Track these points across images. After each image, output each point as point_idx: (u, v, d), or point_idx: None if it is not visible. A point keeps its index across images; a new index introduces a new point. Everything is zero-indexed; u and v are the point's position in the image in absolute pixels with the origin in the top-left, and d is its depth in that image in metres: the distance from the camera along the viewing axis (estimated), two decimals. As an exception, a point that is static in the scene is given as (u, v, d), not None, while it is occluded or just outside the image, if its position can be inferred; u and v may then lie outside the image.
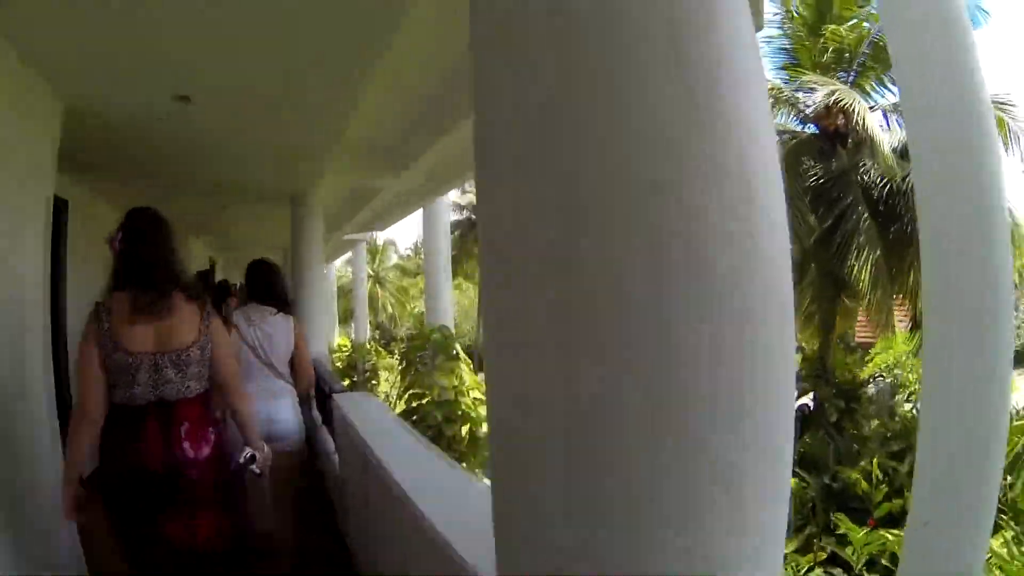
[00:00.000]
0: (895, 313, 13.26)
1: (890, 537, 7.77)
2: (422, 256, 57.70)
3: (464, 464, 14.09)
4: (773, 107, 14.19)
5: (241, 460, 3.11)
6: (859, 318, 15.37)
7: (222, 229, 13.66)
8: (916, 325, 12.59)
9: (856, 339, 27.98)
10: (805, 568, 8.00)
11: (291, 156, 7.09)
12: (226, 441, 3.16)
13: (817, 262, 11.74)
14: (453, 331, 14.59)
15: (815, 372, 12.80)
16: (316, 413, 6.52)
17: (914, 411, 11.82)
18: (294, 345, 4.53)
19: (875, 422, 12.39)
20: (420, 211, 16.34)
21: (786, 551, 7.99)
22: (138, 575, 2.89)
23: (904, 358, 23.88)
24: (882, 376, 22.25)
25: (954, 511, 4.44)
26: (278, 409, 4.29)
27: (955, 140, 4.58)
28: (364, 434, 4.08)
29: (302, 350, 4.62)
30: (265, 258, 4.98)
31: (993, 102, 12.60)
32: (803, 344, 28.79)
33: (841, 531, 8.19)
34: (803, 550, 8.35)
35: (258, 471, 3.17)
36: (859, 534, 7.80)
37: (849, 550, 7.77)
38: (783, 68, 14.41)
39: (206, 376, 3.04)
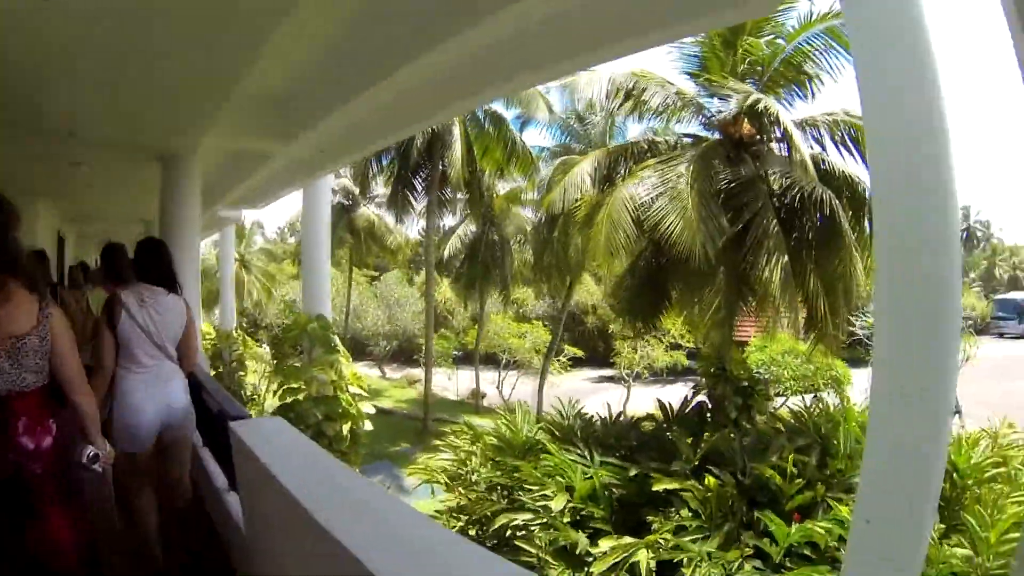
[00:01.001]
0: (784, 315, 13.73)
1: (819, 530, 8.11)
2: (289, 240, 57.80)
3: (346, 464, 13.72)
4: (678, 110, 14.52)
5: (83, 459, 3.07)
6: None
7: (75, 193, 11.83)
8: (812, 326, 12.98)
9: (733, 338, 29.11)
10: (736, 565, 8.05)
11: (168, 99, 5.67)
12: (68, 433, 3.06)
13: (726, 264, 11.95)
14: (336, 322, 13.97)
15: (713, 370, 12.99)
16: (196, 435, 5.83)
17: (811, 408, 12.47)
18: (185, 329, 4.53)
19: (761, 418, 12.84)
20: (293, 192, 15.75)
21: (709, 549, 8.10)
22: None
23: (781, 356, 25.23)
24: (759, 372, 23.22)
25: (897, 509, 4.54)
26: (173, 394, 4.35)
27: (912, 141, 4.57)
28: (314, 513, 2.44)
29: (192, 333, 4.63)
30: (153, 237, 5.13)
31: None
32: (698, 344, 29.78)
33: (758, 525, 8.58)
34: (724, 546, 8.42)
35: (100, 469, 3.15)
36: (783, 529, 8.20)
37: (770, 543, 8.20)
38: (691, 75, 14.58)
39: (46, 370, 2.94)
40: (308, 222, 14.57)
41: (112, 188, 11.54)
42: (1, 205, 2.98)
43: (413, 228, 39.82)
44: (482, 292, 31.52)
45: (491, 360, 34.14)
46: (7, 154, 7.97)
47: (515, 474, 10.20)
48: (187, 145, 7.65)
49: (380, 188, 33.02)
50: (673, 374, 31.43)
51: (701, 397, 12.98)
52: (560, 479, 9.72)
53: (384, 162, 27.02)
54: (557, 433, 11.66)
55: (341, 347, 12.83)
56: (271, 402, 24.18)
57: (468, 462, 11.53)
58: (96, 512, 3.53)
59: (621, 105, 14.68)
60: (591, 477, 9.76)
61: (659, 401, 12.74)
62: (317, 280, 14.40)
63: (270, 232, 62.88)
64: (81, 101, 5.85)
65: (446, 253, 31.63)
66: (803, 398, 20.73)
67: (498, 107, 24.89)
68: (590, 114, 26.30)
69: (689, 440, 10.93)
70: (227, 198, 13.76)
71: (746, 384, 13.18)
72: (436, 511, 11.39)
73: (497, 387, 33.06)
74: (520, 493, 9.88)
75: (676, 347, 30.31)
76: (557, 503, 9.14)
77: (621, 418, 13.09)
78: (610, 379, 38.72)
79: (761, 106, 12.12)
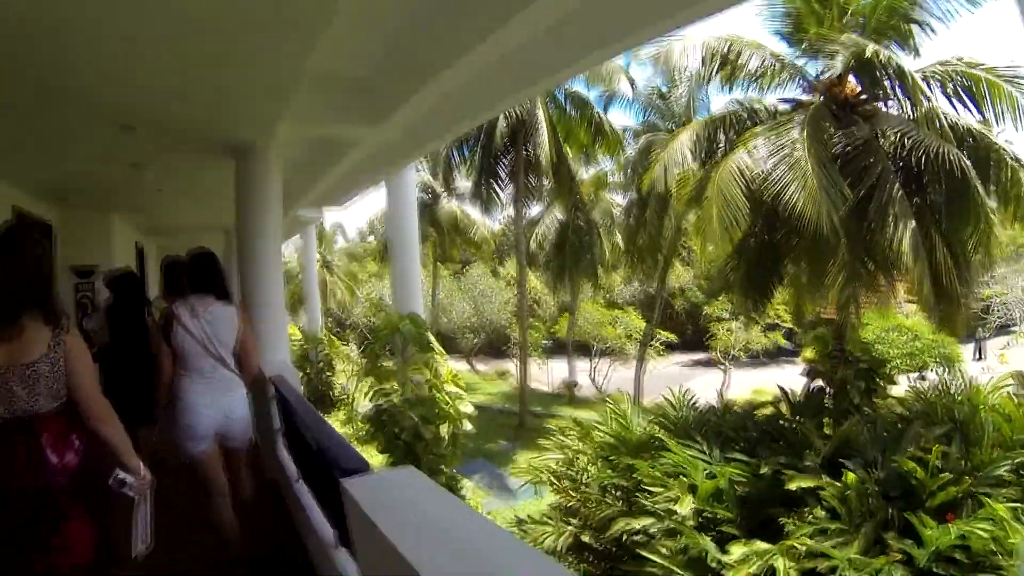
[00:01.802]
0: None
1: (980, 532, 7.01)
2: (369, 239, 57.86)
3: (444, 468, 13.13)
4: (776, 73, 13.52)
5: (111, 483, 3.12)
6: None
7: (147, 203, 11.32)
8: (940, 299, 11.80)
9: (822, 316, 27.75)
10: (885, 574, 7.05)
11: (237, 80, 4.94)
12: (96, 454, 3.12)
13: (847, 235, 10.90)
14: (424, 319, 13.33)
15: (832, 351, 12.00)
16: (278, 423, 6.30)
17: (935, 389, 11.08)
18: (240, 335, 4.64)
19: (883, 403, 11.82)
20: (369, 191, 15.37)
21: (851, 554, 7.15)
22: None
23: (886, 333, 23.85)
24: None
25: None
26: (233, 406, 4.54)
27: None
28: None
29: (247, 341, 4.71)
30: (202, 248, 4.99)
31: (1000, 75, 12.30)
32: (796, 324, 28.54)
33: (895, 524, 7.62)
34: (865, 551, 7.45)
35: (131, 495, 3.20)
36: (934, 531, 7.18)
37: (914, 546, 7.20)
38: (785, 34, 13.58)
39: (63, 393, 3.01)
40: (394, 218, 13.93)
41: (184, 193, 10.97)
42: (19, 240, 3.11)
43: (495, 220, 39.41)
44: (572, 280, 30.69)
45: (582, 349, 33.34)
46: (67, 157, 7.49)
47: (632, 474, 9.36)
48: (262, 134, 6.66)
49: (461, 181, 32.38)
50: (768, 356, 30.17)
51: (818, 381, 12.05)
52: (683, 479, 8.86)
53: (465, 152, 26.33)
54: (669, 426, 10.78)
55: (436, 345, 12.22)
56: (362, 403, 24.07)
57: (576, 461, 10.76)
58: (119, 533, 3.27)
59: (718, 71, 13.69)
60: (715, 475, 8.88)
61: (780, 388, 11.75)
62: (407, 277, 13.75)
63: (350, 234, 63.16)
64: (139, 86, 4.95)
65: (532, 242, 30.76)
66: (908, 378, 19.54)
67: (579, 87, 24.10)
68: (672, 89, 25.38)
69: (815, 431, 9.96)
70: (308, 195, 12.73)
71: (867, 366, 12.19)
72: (544, 515, 10.68)
73: (590, 376, 32.25)
74: (638, 495, 9.06)
75: (773, 327, 29.01)
76: (683, 506, 8.29)
77: (734, 407, 12.11)
78: (702, 363, 37.74)
79: (880, 58, 11.04)
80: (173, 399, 4.43)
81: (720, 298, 29.75)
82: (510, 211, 32.01)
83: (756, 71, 13.39)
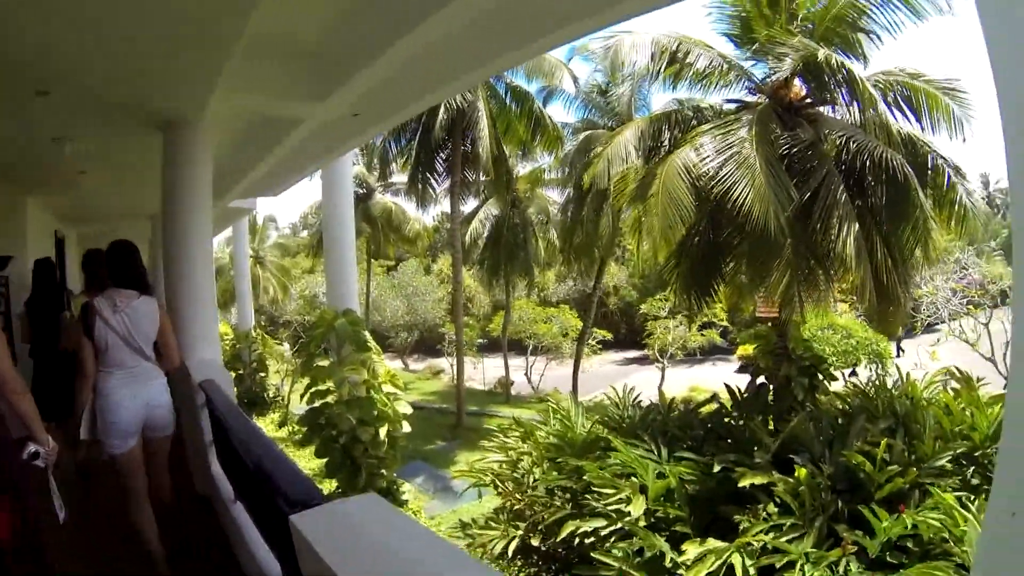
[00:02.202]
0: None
1: (932, 521, 7.12)
2: (302, 234, 56.96)
3: (384, 471, 12.75)
4: (724, 73, 13.49)
5: (25, 456, 3.22)
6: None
7: (67, 183, 9.77)
8: (881, 299, 11.95)
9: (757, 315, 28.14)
10: (842, 566, 7.05)
11: (165, 41, 4.29)
12: (4, 429, 3.15)
13: (792, 235, 10.89)
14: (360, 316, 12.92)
15: (775, 349, 11.98)
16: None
17: (872, 385, 11.41)
18: (159, 327, 4.65)
19: (824, 399, 11.92)
20: (304, 180, 14.67)
21: (806, 548, 7.16)
22: None
23: (820, 332, 24.19)
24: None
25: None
26: (154, 393, 4.57)
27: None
28: None
29: (167, 333, 4.74)
30: (123, 239, 4.93)
31: (940, 87, 12.48)
32: (734, 322, 28.68)
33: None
34: (819, 544, 7.42)
35: (43, 464, 3.31)
36: (886, 522, 7.20)
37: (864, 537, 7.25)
38: (732, 36, 13.56)
39: None
40: (330, 210, 13.33)
41: (109, 175, 9.69)
42: None
43: (429, 215, 39.07)
44: (507, 277, 30.54)
45: (515, 347, 33.20)
46: None
47: (579, 475, 9.17)
48: (193, 105, 5.84)
49: (395, 176, 31.81)
50: (702, 353, 30.45)
51: (760, 378, 12.06)
52: (633, 479, 8.71)
53: (401, 144, 25.64)
54: (614, 425, 10.66)
55: (373, 343, 11.86)
56: (297, 404, 23.52)
57: (520, 462, 10.52)
58: (40, 504, 3.31)
59: (666, 68, 13.59)
60: (664, 475, 8.75)
61: (727, 386, 11.76)
62: (342, 272, 13.20)
63: (283, 227, 62.06)
64: (53, 44, 4.23)
65: (467, 238, 30.34)
66: (842, 374, 19.86)
67: (519, 81, 23.85)
68: (613, 86, 25.38)
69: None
70: (243, 183, 11.78)
71: (809, 363, 12.23)
72: (489, 518, 10.41)
73: (525, 374, 32.13)
74: (588, 497, 8.88)
75: (708, 325, 29.24)
76: (636, 508, 8.12)
77: (676, 405, 12.03)
78: (637, 360, 38.08)
79: (831, 62, 11.11)
80: (95, 395, 4.41)
81: (658, 296, 29.93)
82: (443, 206, 31.76)
83: (704, 70, 13.33)
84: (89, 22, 3.93)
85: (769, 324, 13.88)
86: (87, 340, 4.37)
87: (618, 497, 8.39)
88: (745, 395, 11.59)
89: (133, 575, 4.41)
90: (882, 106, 12.01)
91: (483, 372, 34.29)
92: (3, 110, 5.45)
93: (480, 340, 35.73)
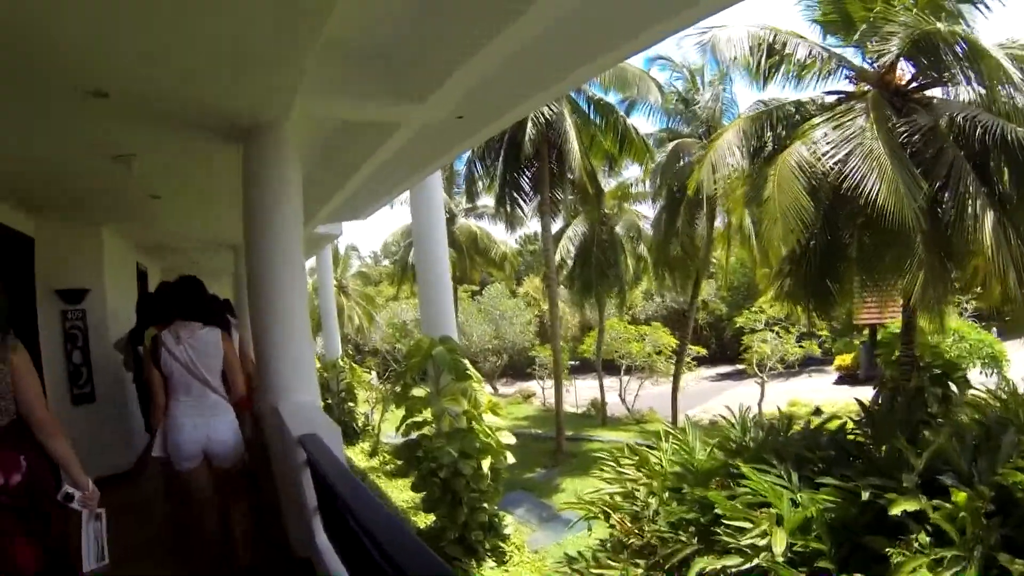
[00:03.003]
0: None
1: None
2: (383, 263, 57.10)
3: (486, 505, 12.08)
4: (826, 62, 12.67)
5: (59, 497, 3.33)
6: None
7: (141, 210, 9.16)
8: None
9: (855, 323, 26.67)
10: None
11: (240, 34, 3.67)
12: (42, 473, 3.31)
13: (923, 230, 9.93)
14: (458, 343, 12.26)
15: (901, 358, 11.00)
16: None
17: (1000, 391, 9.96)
18: (223, 356, 4.90)
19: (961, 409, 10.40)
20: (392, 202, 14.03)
21: None
22: None
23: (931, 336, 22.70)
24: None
25: None
26: (216, 427, 4.80)
27: None
28: None
29: (231, 361, 4.96)
30: (189, 275, 5.31)
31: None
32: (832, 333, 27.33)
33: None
34: (983, 576, 6.42)
35: (78, 508, 3.38)
36: None
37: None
38: (825, 22, 12.74)
39: (11, 409, 3.17)
40: (421, 234, 12.61)
41: (184, 199, 8.88)
42: None
43: (513, 237, 38.65)
44: (599, 296, 29.73)
45: (607, 367, 32.28)
46: (32, 144, 5.53)
47: (707, 507, 8.33)
48: (276, 109, 5.03)
49: (478, 200, 31.33)
50: (797, 366, 29.05)
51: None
52: (767, 510, 7.82)
53: (486, 164, 24.92)
54: (735, 449, 9.75)
55: (473, 371, 11.21)
56: (387, 433, 23.05)
57: (636, 493, 9.71)
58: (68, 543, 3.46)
59: (767, 59, 12.81)
60: (798, 503, 7.84)
61: (858, 401, 10.73)
62: (437, 297, 12.35)
63: (364, 256, 62.47)
64: (108, 35, 3.51)
65: (556, 258, 29.57)
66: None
67: (597, 92, 23.03)
68: (693, 92, 24.70)
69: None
70: (330, 204, 10.61)
71: (940, 371, 11.18)
72: (596, 550, 9.62)
73: (619, 395, 31.16)
74: (718, 530, 8.01)
75: (807, 336, 27.89)
76: (778, 542, 7.23)
77: (797, 422, 11.04)
78: (729, 376, 36.91)
79: (948, 36, 10.18)
80: (165, 418, 4.76)
81: (753, 308, 28.81)
82: (528, 228, 31.22)
83: (804, 60, 12.52)
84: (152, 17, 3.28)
85: (866, 331, 13.00)
86: (155, 369, 4.77)
87: (758, 530, 7.54)
88: (875, 409, 10.56)
89: None
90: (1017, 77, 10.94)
91: (575, 394, 33.43)
92: (58, 116, 4.75)
93: (571, 362, 34.90)
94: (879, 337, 16.24)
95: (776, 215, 10.60)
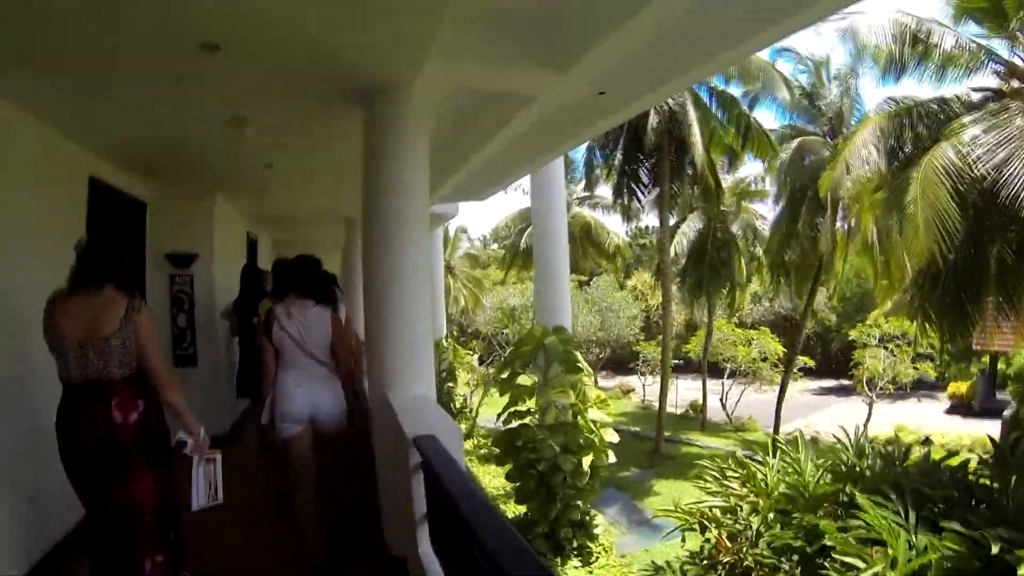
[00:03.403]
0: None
1: None
2: (492, 247, 57.12)
3: (580, 503, 11.74)
4: (975, 56, 11.86)
5: (173, 444, 3.83)
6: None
7: (255, 180, 9.17)
8: None
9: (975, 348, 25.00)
10: None
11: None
12: (158, 416, 3.77)
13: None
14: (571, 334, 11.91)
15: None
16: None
17: None
18: (331, 334, 5.03)
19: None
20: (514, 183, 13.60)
21: None
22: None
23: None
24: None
25: None
26: (322, 395, 4.98)
27: None
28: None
29: (338, 339, 5.08)
30: (307, 254, 5.41)
31: None
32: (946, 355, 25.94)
33: None
34: None
35: (189, 453, 3.85)
36: None
37: None
38: (976, 11, 11.85)
39: (132, 363, 3.63)
40: (541, 221, 12.34)
41: (298, 169, 8.71)
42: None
43: (623, 230, 38.09)
44: (710, 295, 28.93)
45: (710, 369, 31.48)
46: (144, 105, 5.33)
47: (815, 535, 7.77)
48: (403, 68, 4.55)
49: (596, 188, 30.85)
50: (907, 389, 27.53)
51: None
52: (881, 549, 7.21)
53: (606, 153, 24.34)
54: (850, 475, 9.08)
55: (584, 364, 10.85)
56: (484, 417, 22.92)
57: (739, 510, 9.21)
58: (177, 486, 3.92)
59: (911, 50, 12.02)
60: (923, 549, 7.18)
61: (991, 439, 9.88)
62: (553, 287, 12.14)
63: (474, 238, 62.76)
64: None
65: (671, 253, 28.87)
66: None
67: (720, 84, 22.34)
68: (818, 87, 23.73)
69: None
70: (450, 181, 10.01)
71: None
72: (685, 563, 9.20)
73: (720, 400, 30.29)
74: (825, 563, 7.45)
75: (922, 358, 26.43)
76: (892, 586, 6.68)
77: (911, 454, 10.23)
78: (834, 391, 35.61)
79: None
80: (274, 388, 4.94)
81: (868, 322, 27.56)
82: (642, 221, 30.57)
83: (950, 51, 11.69)
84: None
85: (986, 358, 12.09)
86: (267, 342, 4.96)
87: (869, 573, 6.96)
88: (1007, 449, 9.71)
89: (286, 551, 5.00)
90: None
91: (676, 394, 32.73)
92: (170, 74, 4.44)
93: (674, 360, 34.22)
94: (1013, 368, 15.05)
95: (919, 223, 9.87)
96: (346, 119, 5.32)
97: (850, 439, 9.95)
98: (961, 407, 30.35)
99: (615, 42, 4.26)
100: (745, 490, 9.42)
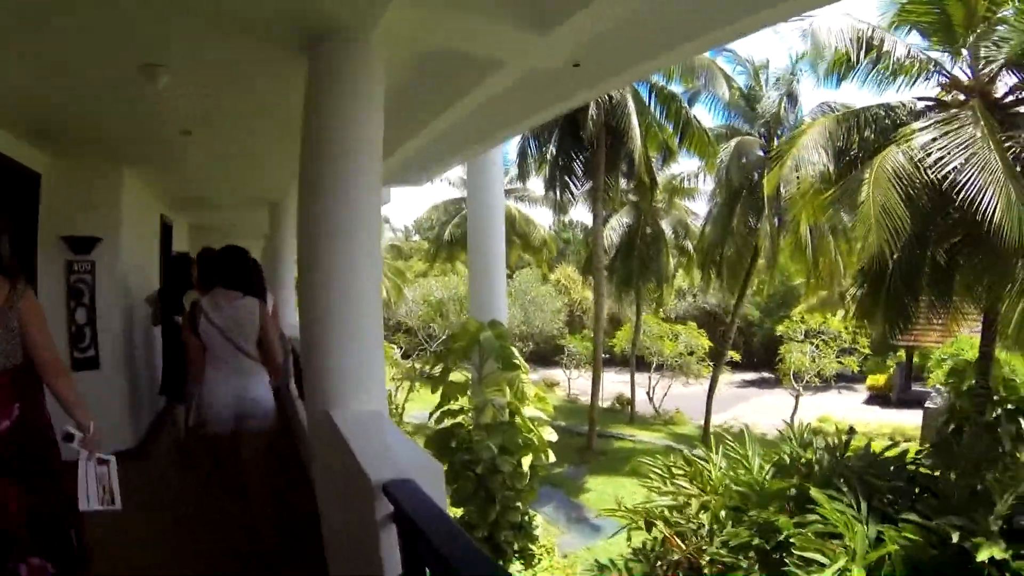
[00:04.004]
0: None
1: None
2: (414, 238, 56.60)
3: (520, 505, 11.42)
4: (923, 66, 12.06)
5: (60, 438, 3.47)
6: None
7: (171, 151, 7.79)
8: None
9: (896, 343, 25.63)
10: None
11: None
12: (39, 417, 3.42)
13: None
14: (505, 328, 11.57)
15: (978, 389, 10.25)
16: (294, 386, 7.65)
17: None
18: (260, 326, 4.87)
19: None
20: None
21: None
22: None
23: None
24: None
25: None
26: (248, 386, 4.85)
27: None
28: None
29: (267, 331, 4.91)
30: (235, 245, 5.31)
31: None
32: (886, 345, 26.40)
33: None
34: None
35: (76, 447, 3.44)
36: None
37: None
38: (922, 25, 12.03)
39: (17, 354, 3.26)
40: (478, 212, 11.90)
41: (220, 137, 7.29)
42: None
43: (547, 223, 38.02)
44: (638, 290, 29.04)
45: (635, 363, 31.63)
46: (39, 50, 4.35)
47: (770, 531, 7.65)
48: (362, 8, 3.76)
49: (529, 179, 30.54)
50: (824, 382, 28.12)
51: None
52: (837, 542, 7.14)
53: (535, 146, 24.20)
54: (799, 469, 9.02)
55: (520, 360, 10.55)
56: (410, 414, 22.41)
57: (687, 507, 9.06)
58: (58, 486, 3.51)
59: (865, 55, 12.17)
60: (878, 540, 7.14)
61: (937, 431, 10.05)
62: (489, 280, 11.77)
63: (397, 229, 62.17)
64: None
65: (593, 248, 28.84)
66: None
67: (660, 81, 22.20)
68: (756, 89, 23.99)
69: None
70: (397, 156, 8.38)
71: (1016, 407, 10.43)
72: (629, 559, 9.04)
73: (647, 393, 30.45)
74: (787, 559, 7.33)
75: (847, 351, 26.97)
76: (860, 581, 6.60)
77: (848, 442, 10.27)
78: (754, 383, 36.22)
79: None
80: (201, 386, 4.83)
81: (794, 317, 28.09)
82: (567, 215, 30.55)
83: (901, 60, 11.87)
84: None
85: (901, 352, 12.42)
86: (192, 336, 4.79)
87: (834, 568, 6.85)
88: (951, 438, 9.85)
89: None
90: None
91: (601, 388, 32.90)
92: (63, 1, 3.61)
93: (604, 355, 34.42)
94: (934, 361, 15.39)
95: (871, 221, 9.93)
96: (286, 71, 4.46)
97: (793, 431, 9.92)
98: (879, 398, 31.33)
99: (607, 4, 3.78)
100: (692, 487, 9.28)
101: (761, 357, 37.10)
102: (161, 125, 6.56)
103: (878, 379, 32.32)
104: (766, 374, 35.49)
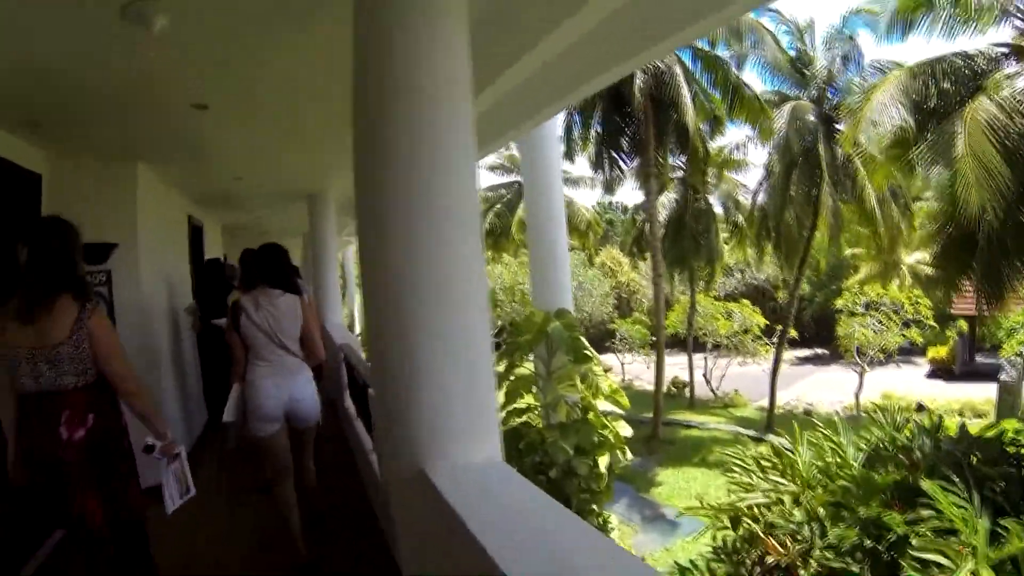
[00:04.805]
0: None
1: None
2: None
3: (596, 507, 10.72)
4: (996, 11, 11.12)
5: (143, 450, 3.66)
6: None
7: (186, 130, 6.09)
8: None
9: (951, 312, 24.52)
10: None
11: None
12: (115, 427, 3.53)
13: None
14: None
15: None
16: (349, 401, 7.58)
17: None
18: (302, 323, 4.88)
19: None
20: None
21: None
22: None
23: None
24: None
25: None
26: (297, 387, 4.86)
27: None
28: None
29: (310, 327, 4.96)
30: (273, 243, 5.20)
31: None
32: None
33: None
34: None
35: (158, 457, 3.70)
36: None
37: None
38: None
39: (89, 372, 3.35)
40: (536, 194, 11.02)
41: (245, 103, 5.55)
42: (63, 229, 3.56)
43: (590, 204, 37.45)
44: (691, 269, 28.20)
45: (683, 344, 30.91)
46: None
47: (880, 530, 6.92)
48: None
49: (576, 156, 29.87)
50: (893, 356, 27.05)
51: None
52: (956, 539, 6.38)
53: (580, 121, 23.20)
54: (902, 458, 8.22)
55: (592, 352, 9.83)
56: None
57: (780, 504, 8.31)
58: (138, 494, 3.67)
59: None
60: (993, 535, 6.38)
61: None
62: (553, 266, 10.78)
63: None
64: None
65: (645, 227, 27.80)
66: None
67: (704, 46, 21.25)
68: (803, 49, 22.96)
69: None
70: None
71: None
72: (711, 560, 8.33)
73: (704, 375, 29.65)
74: (900, 559, 6.59)
75: (911, 324, 25.85)
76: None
77: (940, 423, 9.36)
78: (809, 360, 35.38)
79: None
80: (244, 383, 4.76)
81: (853, 289, 27.08)
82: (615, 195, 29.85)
83: (976, 4, 10.98)
84: None
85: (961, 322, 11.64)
86: (235, 334, 4.77)
87: (964, 570, 6.12)
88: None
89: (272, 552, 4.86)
90: None
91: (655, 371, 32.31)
92: None
93: (652, 337, 33.55)
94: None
95: (970, 178, 9.13)
96: (319, 19, 3.42)
97: (884, 416, 9.07)
98: (941, 371, 30.10)
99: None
100: (787, 481, 8.55)
101: (812, 333, 36.11)
102: (167, 97, 5.02)
103: (939, 351, 30.94)
104: (819, 350, 34.52)
